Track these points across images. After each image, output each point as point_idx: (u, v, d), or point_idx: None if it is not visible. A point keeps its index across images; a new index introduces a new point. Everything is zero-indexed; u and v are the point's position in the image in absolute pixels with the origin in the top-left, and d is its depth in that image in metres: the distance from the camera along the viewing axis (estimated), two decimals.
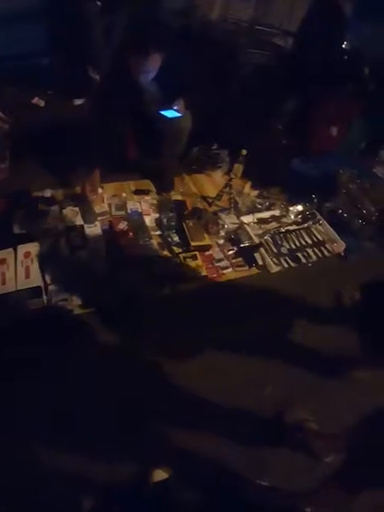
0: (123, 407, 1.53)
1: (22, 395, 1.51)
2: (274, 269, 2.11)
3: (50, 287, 1.82)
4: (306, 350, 1.84)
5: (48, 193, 2.23)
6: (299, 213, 2.46)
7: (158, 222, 2.21)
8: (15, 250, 1.93)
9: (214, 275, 2.04)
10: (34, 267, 1.87)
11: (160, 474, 1.40)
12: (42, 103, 2.97)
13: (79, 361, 1.64)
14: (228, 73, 2.96)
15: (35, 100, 3.00)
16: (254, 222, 2.33)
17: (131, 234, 2.12)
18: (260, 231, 2.29)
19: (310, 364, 1.78)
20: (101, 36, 3.28)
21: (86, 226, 2.11)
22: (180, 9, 3.38)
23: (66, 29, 3.05)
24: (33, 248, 1.94)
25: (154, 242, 2.12)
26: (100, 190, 2.25)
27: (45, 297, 1.78)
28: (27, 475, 1.35)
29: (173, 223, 2.19)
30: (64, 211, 2.16)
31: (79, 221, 2.14)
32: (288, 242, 2.26)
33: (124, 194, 2.35)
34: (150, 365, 1.67)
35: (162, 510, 1.27)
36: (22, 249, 1.94)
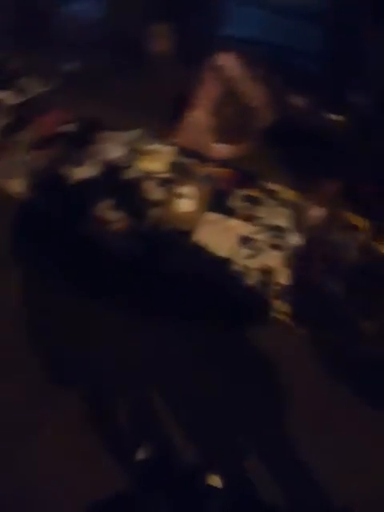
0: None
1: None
2: None
3: (236, 267, 1.96)
4: None
5: (272, 186, 2.34)
6: None
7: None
8: (225, 219, 2.12)
9: None
10: (233, 242, 2.03)
11: (215, 480, 1.42)
12: (303, 104, 3.06)
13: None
14: None
15: (297, 100, 3.11)
16: None
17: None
18: None
19: None
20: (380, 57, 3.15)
21: (292, 233, 2.14)
22: None
23: (343, 38, 3.04)
24: (239, 226, 2.10)
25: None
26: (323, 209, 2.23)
27: (232, 269, 1.94)
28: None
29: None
30: (278, 209, 2.24)
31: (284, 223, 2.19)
32: None
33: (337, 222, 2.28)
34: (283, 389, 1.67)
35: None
36: (231, 221, 2.12)
